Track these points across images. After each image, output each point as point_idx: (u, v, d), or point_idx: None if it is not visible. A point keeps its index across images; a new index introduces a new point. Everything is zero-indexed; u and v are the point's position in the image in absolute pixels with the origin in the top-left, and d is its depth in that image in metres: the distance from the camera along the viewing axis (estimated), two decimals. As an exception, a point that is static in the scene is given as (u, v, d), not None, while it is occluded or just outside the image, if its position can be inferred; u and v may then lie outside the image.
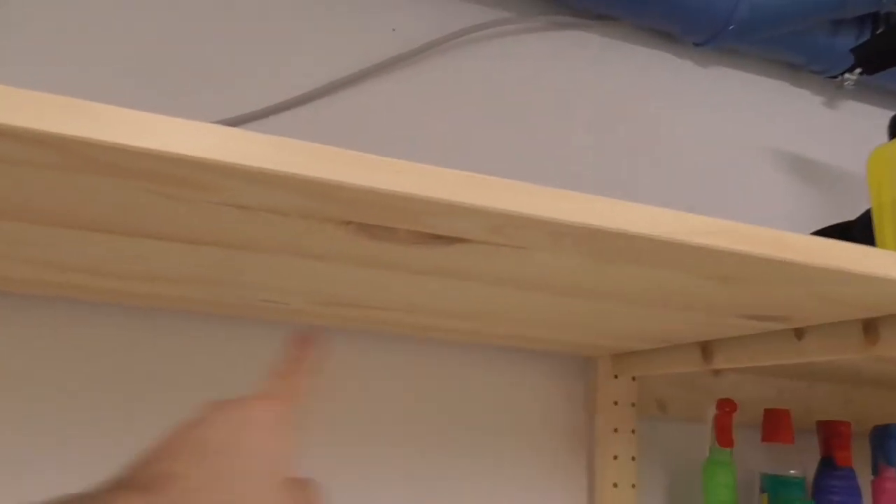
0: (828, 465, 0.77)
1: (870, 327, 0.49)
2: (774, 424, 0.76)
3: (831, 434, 0.78)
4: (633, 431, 0.79)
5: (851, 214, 0.75)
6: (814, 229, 0.79)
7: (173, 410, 0.65)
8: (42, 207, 0.36)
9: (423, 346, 0.74)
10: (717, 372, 0.84)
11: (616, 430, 0.78)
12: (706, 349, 0.66)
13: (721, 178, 0.92)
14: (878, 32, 0.91)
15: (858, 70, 0.96)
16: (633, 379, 0.80)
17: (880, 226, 0.61)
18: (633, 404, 0.80)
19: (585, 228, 0.34)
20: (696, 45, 0.91)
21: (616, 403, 0.79)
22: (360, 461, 0.70)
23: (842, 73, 0.97)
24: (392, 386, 0.73)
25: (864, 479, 0.79)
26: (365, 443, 0.71)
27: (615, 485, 0.77)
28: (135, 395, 0.64)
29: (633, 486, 0.77)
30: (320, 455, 0.68)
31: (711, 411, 0.76)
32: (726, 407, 0.75)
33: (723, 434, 0.75)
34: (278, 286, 0.50)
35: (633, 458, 0.78)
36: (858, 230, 0.72)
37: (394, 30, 0.80)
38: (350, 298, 0.53)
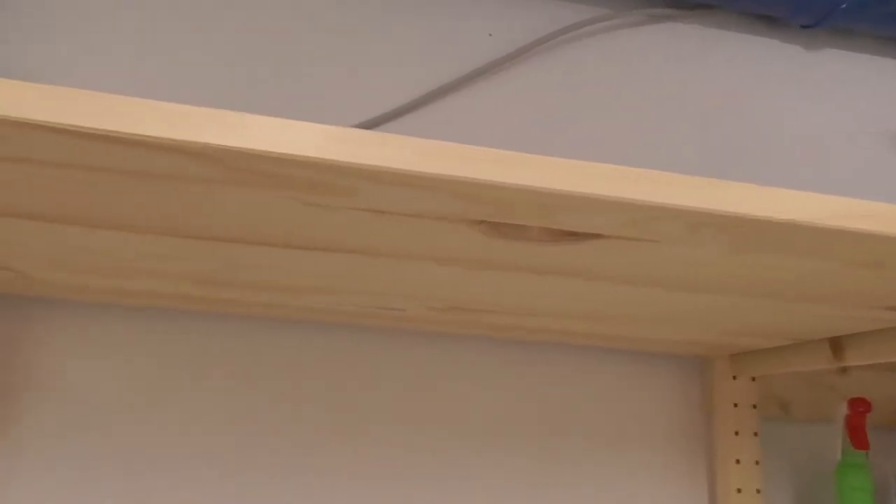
0: (976, 467, 0.72)
1: None
2: (914, 424, 0.72)
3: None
4: (756, 434, 0.75)
5: None
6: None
7: (291, 418, 0.66)
8: (176, 219, 0.38)
9: (533, 350, 0.74)
10: (844, 370, 0.79)
11: (737, 433, 0.75)
12: (836, 345, 0.62)
13: (839, 165, 0.87)
14: None
15: None
16: (753, 379, 0.76)
17: None
18: (753, 406, 0.77)
19: (730, 217, 0.33)
20: (805, 27, 0.86)
21: (736, 405, 0.76)
22: (472, 467, 0.70)
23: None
24: (503, 392, 0.72)
25: None
26: (477, 449, 0.70)
27: (739, 490, 0.74)
28: (255, 404, 0.66)
29: (759, 491, 0.73)
30: (434, 461, 0.68)
31: (842, 411, 0.72)
32: (860, 407, 0.70)
33: (857, 435, 0.70)
34: (400, 292, 0.51)
35: (757, 462, 0.74)
36: None
37: (490, 35, 0.79)
38: (468, 303, 0.53)
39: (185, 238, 0.40)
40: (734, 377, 0.76)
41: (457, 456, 0.69)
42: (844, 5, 0.80)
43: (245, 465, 0.65)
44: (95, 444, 0.62)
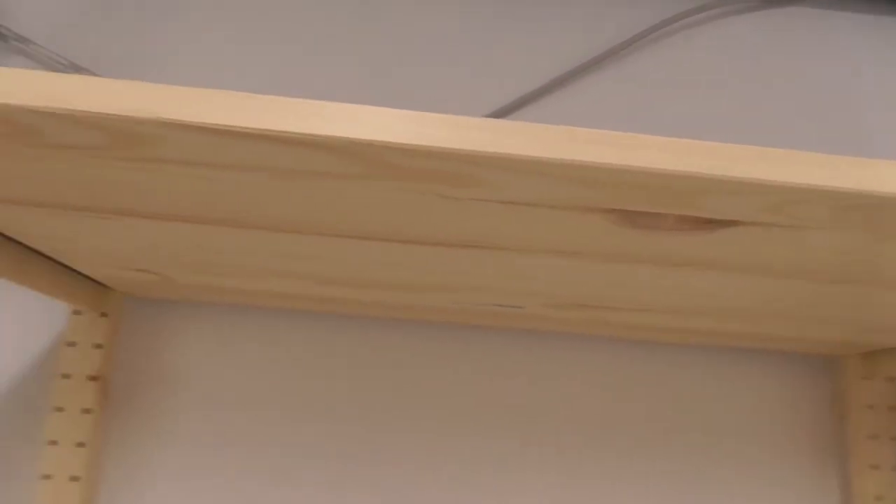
0: None
1: None
2: None
3: None
4: (894, 438, 0.71)
5: None
6: None
7: (409, 416, 0.68)
8: (311, 217, 0.39)
9: (649, 350, 0.72)
10: None
11: (874, 438, 0.71)
12: None
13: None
14: None
15: None
16: (891, 380, 0.72)
17: None
18: (891, 408, 0.72)
19: (879, 198, 0.31)
20: (937, 4, 0.81)
21: (871, 407, 0.72)
22: (585, 470, 0.69)
23: None
24: (620, 392, 0.71)
25: None
26: (592, 453, 0.69)
27: (878, 498, 0.69)
28: (374, 401, 0.68)
29: (901, 499, 0.69)
30: (550, 465, 0.68)
31: None
32: None
33: None
34: (520, 289, 0.51)
35: (897, 468, 0.70)
36: None
37: (600, 28, 0.79)
38: (590, 299, 0.53)
39: (319, 236, 0.42)
40: (867, 377, 0.72)
41: (571, 456, 0.69)
42: (984, -23, 0.74)
43: (364, 459, 0.66)
44: (228, 437, 0.65)
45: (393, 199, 0.35)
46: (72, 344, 0.62)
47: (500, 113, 0.75)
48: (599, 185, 0.31)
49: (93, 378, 0.61)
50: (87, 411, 0.60)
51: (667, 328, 0.63)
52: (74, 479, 0.59)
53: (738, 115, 0.79)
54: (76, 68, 0.71)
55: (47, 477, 0.59)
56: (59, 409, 0.60)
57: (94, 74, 0.72)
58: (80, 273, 0.58)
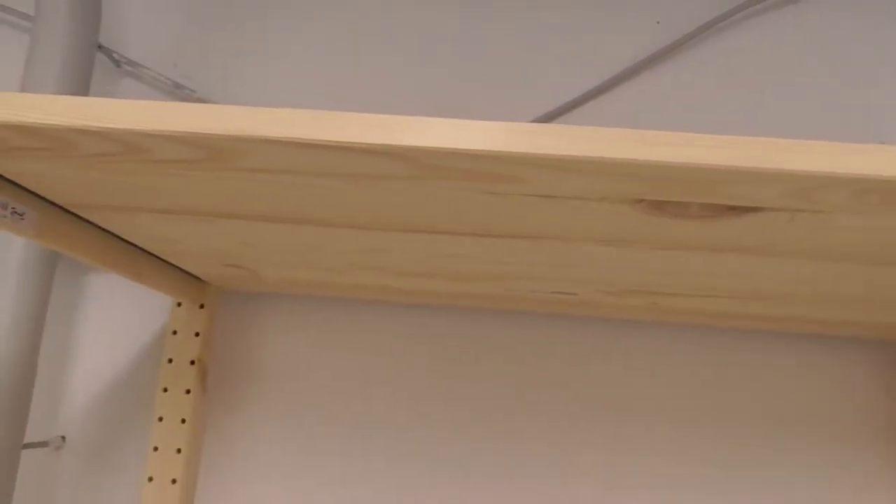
0: None
1: None
2: None
3: None
4: (968, 424, 0.70)
5: None
6: None
7: (480, 399, 0.72)
8: (381, 215, 0.45)
9: (710, 336, 0.74)
10: None
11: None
12: None
13: None
14: None
15: None
16: None
17: None
18: None
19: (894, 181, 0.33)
20: None
21: None
22: (649, 458, 0.71)
23: None
24: (684, 379, 0.73)
25: None
26: (657, 441, 0.72)
27: None
28: (443, 387, 0.73)
29: (975, 485, 0.68)
30: (609, 449, 0.71)
31: None
32: None
33: None
34: (570, 277, 0.55)
35: (972, 454, 0.69)
36: None
37: (658, 22, 0.81)
38: (641, 285, 0.56)
39: (389, 231, 0.48)
40: None
41: (626, 439, 0.72)
42: None
43: (442, 436, 0.71)
44: (313, 424, 0.72)
45: (447, 196, 0.40)
46: (175, 332, 0.69)
47: (551, 116, 0.78)
48: (625, 177, 0.35)
49: (192, 362, 0.69)
50: (188, 391, 0.68)
51: (726, 314, 0.65)
52: (178, 451, 0.66)
53: (800, 106, 0.79)
54: (178, 87, 0.79)
55: (156, 449, 0.67)
56: (165, 390, 0.68)
57: (194, 92, 0.80)
58: (181, 269, 0.66)
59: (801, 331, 0.73)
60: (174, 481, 0.66)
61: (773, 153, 0.34)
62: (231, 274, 0.65)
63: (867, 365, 0.74)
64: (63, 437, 0.72)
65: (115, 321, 0.75)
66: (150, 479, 0.66)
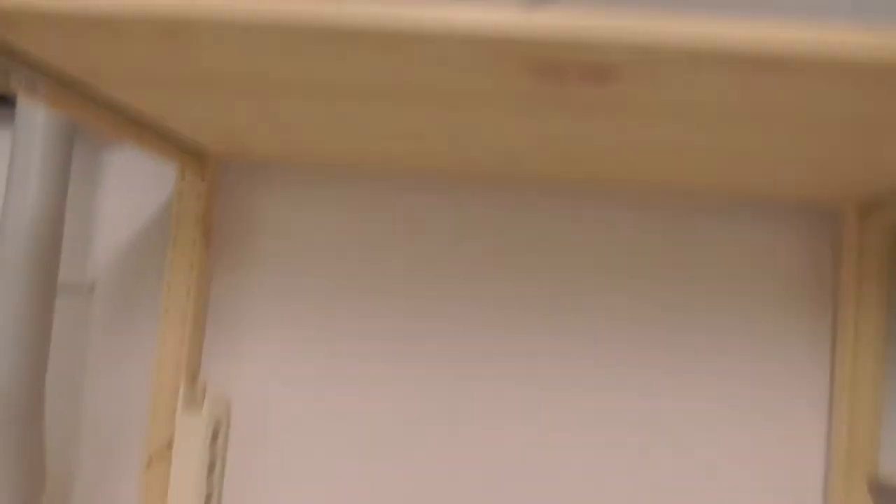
0: None
1: None
2: None
3: None
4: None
5: None
6: None
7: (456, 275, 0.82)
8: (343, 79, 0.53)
9: (643, 206, 0.80)
10: None
11: (863, 282, 0.76)
12: None
13: None
14: None
15: None
16: (886, 229, 0.76)
17: None
18: (880, 254, 0.76)
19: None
20: None
21: (863, 254, 0.77)
22: (586, 328, 0.79)
23: None
24: (617, 246, 0.80)
25: None
26: (588, 307, 0.80)
27: (857, 341, 0.75)
28: (426, 256, 0.82)
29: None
30: (547, 313, 0.81)
31: None
32: None
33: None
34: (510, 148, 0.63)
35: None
36: None
37: None
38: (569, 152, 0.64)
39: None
40: (865, 229, 0.76)
41: (566, 302, 0.80)
42: None
43: (429, 298, 0.82)
44: (306, 273, 0.83)
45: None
46: (180, 193, 0.80)
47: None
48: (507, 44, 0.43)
49: (196, 219, 0.80)
50: (194, 242, 0.79)
51: (653, 183, 0.73)
52: (188, 291, 0.79)
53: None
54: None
55: (168, 289, 0.79)
56: (174, 241, 0.80)
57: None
58: (183, 138, 0.75)
59: (743, 200, 0.79)
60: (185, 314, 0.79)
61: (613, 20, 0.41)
62: (228, 140, 0.75)
63: (804, 231, 0.80)
64: (92, 285, 0.85)
65: (131, 190, 0.86)
66: (166, 311, 0.79)
